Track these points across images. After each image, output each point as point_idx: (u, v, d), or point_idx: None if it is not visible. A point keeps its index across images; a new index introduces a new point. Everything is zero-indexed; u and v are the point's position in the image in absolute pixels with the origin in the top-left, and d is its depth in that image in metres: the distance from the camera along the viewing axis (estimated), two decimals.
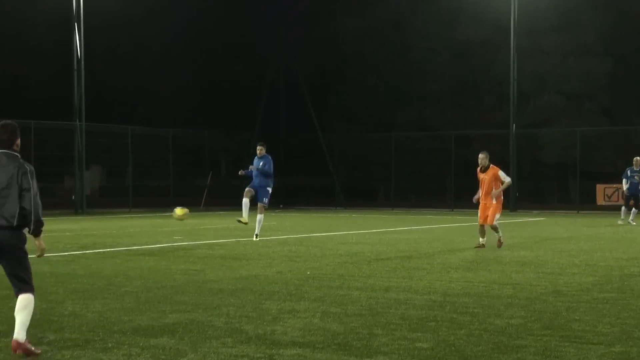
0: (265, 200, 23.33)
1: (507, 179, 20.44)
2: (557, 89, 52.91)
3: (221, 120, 54.41)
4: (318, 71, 59.15)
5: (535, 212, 43.55)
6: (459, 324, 9.74)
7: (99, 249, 20.55)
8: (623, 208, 32.98)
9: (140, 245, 21.43)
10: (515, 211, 43.87)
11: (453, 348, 8.41)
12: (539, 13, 49.49)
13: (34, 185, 8.17)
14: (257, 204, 23.34)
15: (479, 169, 20.55)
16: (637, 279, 14.07)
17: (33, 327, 9.53)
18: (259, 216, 23.04)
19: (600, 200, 45.73)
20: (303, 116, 56.71)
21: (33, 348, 8.12)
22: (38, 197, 8.20)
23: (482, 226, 20.48)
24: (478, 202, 20.80)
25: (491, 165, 20.31)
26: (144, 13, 54.48)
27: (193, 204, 48.57)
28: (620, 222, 32.09)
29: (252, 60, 58.84)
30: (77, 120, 43.49)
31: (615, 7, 51.70)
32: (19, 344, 8.06)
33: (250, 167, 23.71)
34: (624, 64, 52.53)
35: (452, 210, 45.89)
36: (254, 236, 22.73)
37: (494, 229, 20.24)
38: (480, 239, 20.28)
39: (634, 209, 31.98)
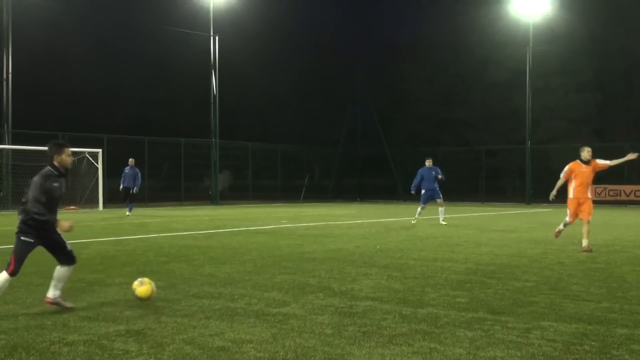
0: (441, 195, 23.85)
1: (608, 162, 15.05)
2: (561, 116, 52.10)
3: (315, 137, 54.68)
4: (386, 102, 59.19)
5: (545, 205, 42.73)
6: (488, 285, 9.64)
7: (228, 228, 20.79)
8: None
9: (257, 227, 21.61)
10: (530, 204, 43.19)
11: (483, 302, 8.33)
12: (547, 60, 48.83)
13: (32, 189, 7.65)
14: (436, 201, 23.78)
15: (578, 163, 14.80)
16: (619, 254, 13.75)
17: (182, 283, 9.71)
18: (442, 208, 23.71)
19: (592, 197, 44.58)
20: (374, 135, 56.98)
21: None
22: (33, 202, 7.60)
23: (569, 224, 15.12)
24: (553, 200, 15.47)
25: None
26: (262, 62, 55.06)
27: (295, 198, 49.01)
28: None
29: (338, 94, 59.16)
30: (213, 138, 44.11)
31: (603, 55, 50.99)
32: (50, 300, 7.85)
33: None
34: (609, 97, 51.95)
35: (483, 204, 45.29)
36: (442, 221, 23.08)
37: (587, 229, 14.43)
38: (561, 226, 15.31)
39: None
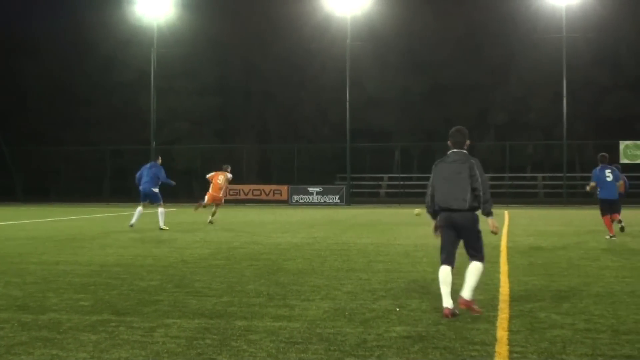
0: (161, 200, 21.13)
1: None
2: (185, 118, 53.59)
3: None
4: (2, 98, 55.82)
5: (169, 204, 43.42)
6: (113, 286, 9.54)
7: None
8: None
9: None
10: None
11: (108, 304, 8.22)
12: (171, 62, 49.78)
13: (481, 174, 7.65)
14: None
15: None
16: (238, 250, 14.49)
17: None
18: (162, 209, 20.84)
19: None
20: None
21: (476, 307, 7.62)
22: (486, 184, 7.66)
23: None
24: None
25: None
26: None
27: None
28: None
29: None
30: None
31: (224, 61, 53.46)
32: (465, 301, 7.56)
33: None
34: (230, 100, 54.68)
35: (108, 204, 44.75)
36: (164, 226, 20.35)
37: None
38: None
39: None
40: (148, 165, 21.37)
